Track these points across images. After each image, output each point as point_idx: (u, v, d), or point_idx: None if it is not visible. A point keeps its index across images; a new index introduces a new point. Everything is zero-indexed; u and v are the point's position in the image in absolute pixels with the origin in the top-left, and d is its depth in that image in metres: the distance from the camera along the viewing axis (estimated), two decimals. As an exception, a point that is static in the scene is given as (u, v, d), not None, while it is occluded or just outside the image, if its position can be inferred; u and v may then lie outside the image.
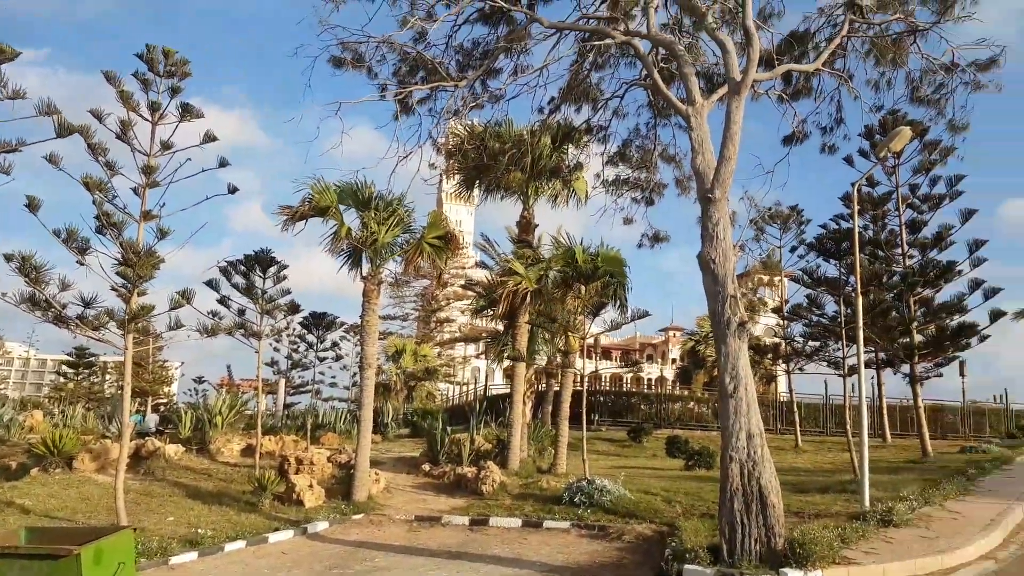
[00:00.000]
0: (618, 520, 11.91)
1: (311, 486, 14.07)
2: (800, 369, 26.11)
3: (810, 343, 23.54)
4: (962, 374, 38.23)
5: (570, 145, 17.31)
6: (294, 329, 22.61)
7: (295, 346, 23.24)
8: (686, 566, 8.17)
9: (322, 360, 23.72)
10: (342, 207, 14.86)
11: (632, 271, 17.46)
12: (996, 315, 20.80)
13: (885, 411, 27.74)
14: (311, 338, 22.91)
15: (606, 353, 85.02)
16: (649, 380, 76.33)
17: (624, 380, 55.18)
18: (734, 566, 8.09)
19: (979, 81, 12.10)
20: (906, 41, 12.37)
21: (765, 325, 34.49)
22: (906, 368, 21.91)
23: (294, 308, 16.76)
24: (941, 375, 22.47)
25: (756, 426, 8.82)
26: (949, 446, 25.54)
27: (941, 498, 12.96)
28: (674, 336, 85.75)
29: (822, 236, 20.48)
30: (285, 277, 15.90)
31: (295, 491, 13.76)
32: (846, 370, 19.01)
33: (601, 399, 34.06)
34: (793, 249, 23.74)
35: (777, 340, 27.71)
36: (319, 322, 22.62)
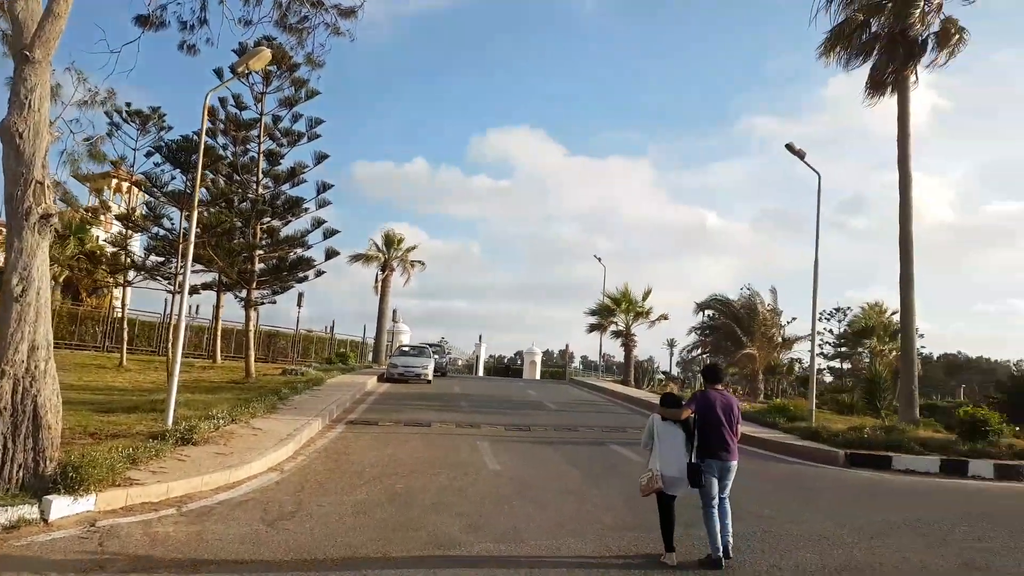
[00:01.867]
0: None
1: None
2: (128, 283, 24.46)
3: (153, 257, 22.14)
4: (299, 305, 42.54)
5: None
6: None
7: None
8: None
9: None
10: None
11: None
12: (331, 254, 23.31)
13: (220, 333, 28.45)
14: None
15: None
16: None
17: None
18: (-17, 500, 6.52)
19: (339, 27, 12.78)
20: (279, -40, 12.18)
21: (113, 233, 31.30)
22: (245, 292, 22.58)
23: None
24: (275, 302, 24.12)
25: (44, 337, 7.31)
26: (275, 368, 27.69)
27: (249, 416, 13.48)
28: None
29: (174, 144, 18.94)
30: None
31: None
32: (177, 286, 18.31)
33: None
34: (149, 154, 21.58)
35: (117, 249, 25.22)
36: None
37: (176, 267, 20.15)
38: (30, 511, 6.58)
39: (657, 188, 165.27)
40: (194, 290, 25.42)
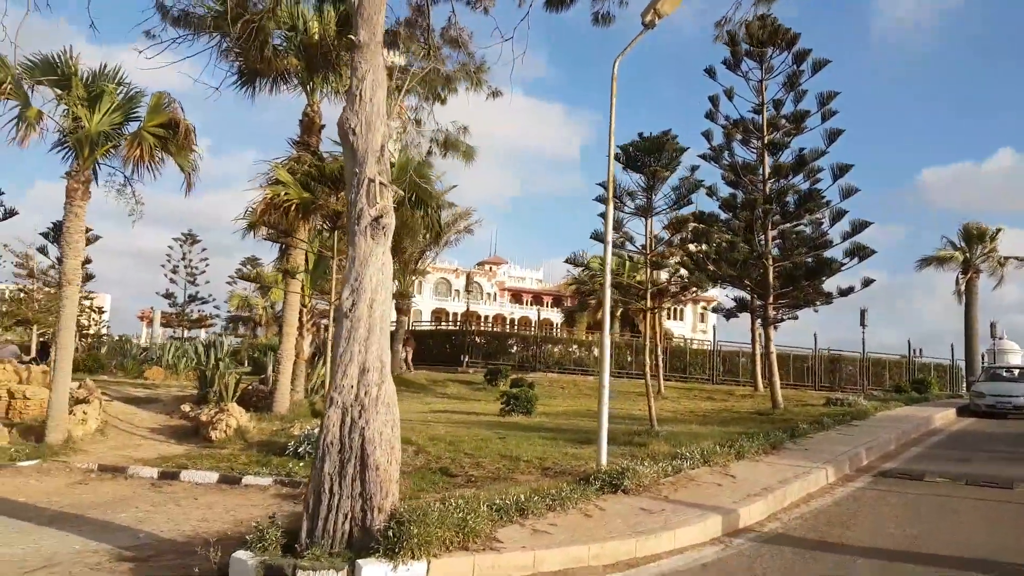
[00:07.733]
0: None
1: (-10, 424, 11.61)
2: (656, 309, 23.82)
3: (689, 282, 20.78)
4: (863, 323, 36.97)
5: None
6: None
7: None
8: (234, 554, 5.70)
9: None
10: (27, 84, 11.78)
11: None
12: (858, 251, 17.98)
13: (758, 358, 26.05)
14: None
15: (521, 297, 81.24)
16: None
17: (531, 323, 53.02)
18: (298, 554, 5.63)
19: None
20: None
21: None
22: (762, 310, 19.66)
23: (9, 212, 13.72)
24: (797, 318, 20.23)
25: (376, 358, 6.26)
26: (821, 397, 23.87)
27: (730, 457, 10.81)
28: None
29: (630, 145, 16.41)
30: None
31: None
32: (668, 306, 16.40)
33: (477, 339, 32.01)
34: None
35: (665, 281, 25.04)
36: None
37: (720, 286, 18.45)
38: (332, 580, 5.34)
39: None
40: (730, 314, 23.89)
